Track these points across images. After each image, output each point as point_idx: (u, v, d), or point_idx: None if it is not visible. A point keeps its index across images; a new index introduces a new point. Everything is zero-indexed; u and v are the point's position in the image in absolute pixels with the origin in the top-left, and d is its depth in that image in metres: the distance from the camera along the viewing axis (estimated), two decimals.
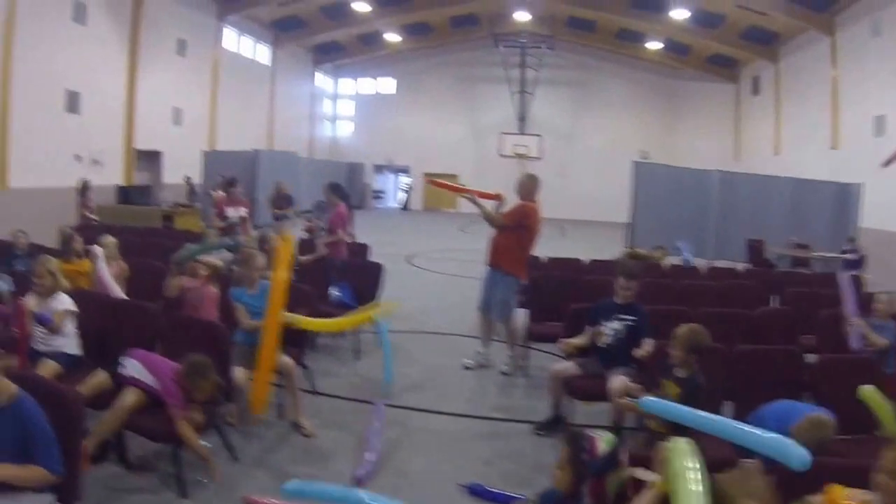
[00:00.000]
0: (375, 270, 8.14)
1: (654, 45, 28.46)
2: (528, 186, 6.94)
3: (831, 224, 14.70)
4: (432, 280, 12.63)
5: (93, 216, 14.11)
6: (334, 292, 7.58)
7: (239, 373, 5.03)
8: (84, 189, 14.43)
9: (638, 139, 30.80)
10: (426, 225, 23.60)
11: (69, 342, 5.15)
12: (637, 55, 29.98)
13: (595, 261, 9.46)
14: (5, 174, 14.81)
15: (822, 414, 3.84)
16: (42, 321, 4.93)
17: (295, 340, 5.60)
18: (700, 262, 11.58)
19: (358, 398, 6.11)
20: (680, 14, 23.96)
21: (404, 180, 34.58)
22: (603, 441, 3.14)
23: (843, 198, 14.85)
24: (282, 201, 13.50)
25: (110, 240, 6.86)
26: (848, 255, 12.52)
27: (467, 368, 7.11)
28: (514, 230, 6.90)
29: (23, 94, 14.99)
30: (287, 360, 5.29)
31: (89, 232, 8.56)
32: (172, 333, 5.11)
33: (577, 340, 5.44)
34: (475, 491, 4.37)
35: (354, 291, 7.72)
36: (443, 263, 14.11)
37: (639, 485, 2.80)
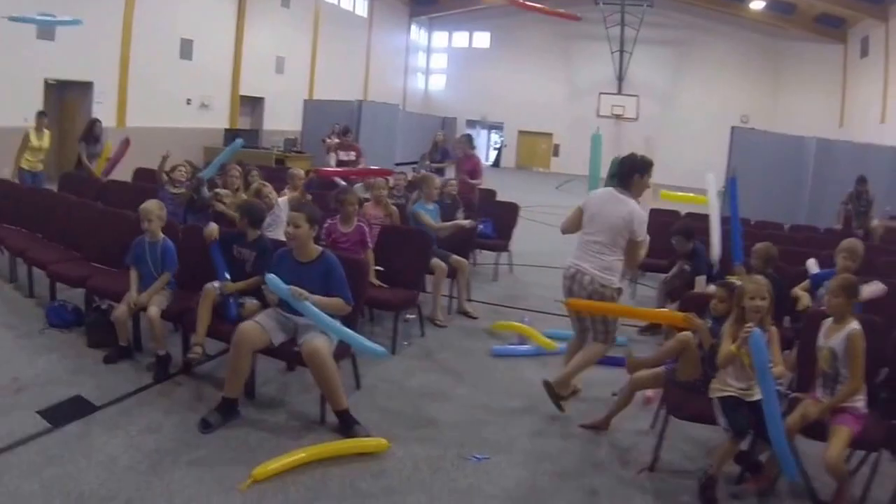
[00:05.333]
0: (513, 210, 10.27)
1: (757, 4, 29.07)
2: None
3: None
4: (540, 229, 14.63)
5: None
6: (479, 226, 9.36)
7: (437, 263, 7.20)
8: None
9: (738, 103, 30.92)
10: (521, 182, 24.81)
11: None
12: (740, 14, 30.30)
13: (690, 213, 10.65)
14: (124, 115, 17.45)
15: None
16: None
17: (463, 250, 7.94)
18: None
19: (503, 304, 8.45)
20: None
21: (496, 137, 36.15)
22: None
23: None
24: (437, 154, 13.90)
25: (300, 172, 8.89)
26: None
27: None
28: None
29: (142, 42, 17.56)
30: (461, 259, 7.64)
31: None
32: (384, 240, 7.05)
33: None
34: None
35: (495, 226, 9.86)
36: (544, 216, 16.01)
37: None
